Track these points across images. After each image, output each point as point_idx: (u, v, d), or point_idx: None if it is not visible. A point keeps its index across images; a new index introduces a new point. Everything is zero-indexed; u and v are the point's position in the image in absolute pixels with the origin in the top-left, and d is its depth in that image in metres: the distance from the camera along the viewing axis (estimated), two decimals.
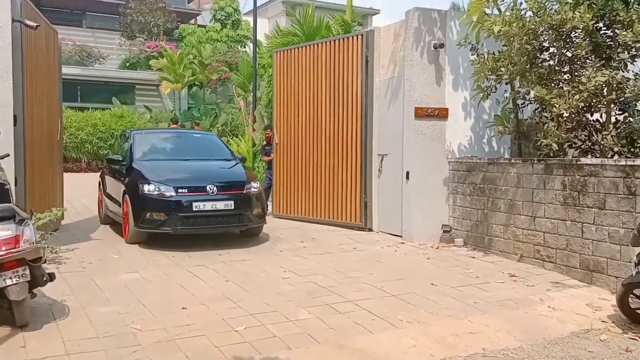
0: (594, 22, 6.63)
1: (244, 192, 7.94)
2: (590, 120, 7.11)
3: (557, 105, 6.63)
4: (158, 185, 7.63)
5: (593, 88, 6.41)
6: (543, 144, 6.86)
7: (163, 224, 7.54)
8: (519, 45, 6.97)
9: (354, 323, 4.85)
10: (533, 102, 7.51)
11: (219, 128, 21.54)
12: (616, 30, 6.60)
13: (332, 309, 5.19)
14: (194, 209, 7.54)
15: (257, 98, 15.87)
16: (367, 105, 9.07)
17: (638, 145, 6.58)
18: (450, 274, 6.56)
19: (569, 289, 5.97)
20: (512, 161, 7.36)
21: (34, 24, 7.07)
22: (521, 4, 7.22)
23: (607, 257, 5.96)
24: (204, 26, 29.69)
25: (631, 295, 4.89)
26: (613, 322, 4.99)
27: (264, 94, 15.10)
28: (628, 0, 6.67)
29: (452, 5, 14.71)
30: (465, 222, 8.05)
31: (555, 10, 6.86)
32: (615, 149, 6.50)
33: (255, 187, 8.15)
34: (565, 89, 6.78)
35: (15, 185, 6.79)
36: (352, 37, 9.44)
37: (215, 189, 7.70)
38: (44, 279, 4.69)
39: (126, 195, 7.96)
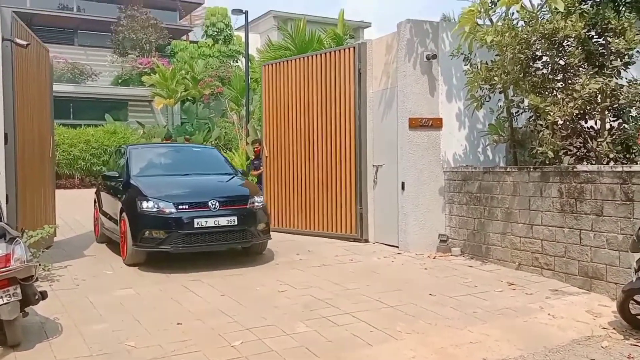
0: (585, 30, 6.66)
1: (248, 207, 7.62)
2: (585, 128, 7.11)
3: (551, 113, 6.64)
4: (157, 202, 7.27)
5: (587, 95, 6.42)
6: (538, 151, 6.85)
7: (163, 242, 7.17)
8: (512, 55, 6.98)
9: (352, 335, 4.77)
10: (527, 110, 7.51)
11: (213, 142, 21.53)
12: (608, 38, 6.64)
13: (330, 322, 5.12)
14: (196, 225, 7.17)
15: (250, 112, 15.88)
16: (360, 116, 9.06)
17: (633, 151, 6.58)
18: (448, 283, 6.50)
19: (569, 296, 5.92)
20: (508, 169, 7.34)
21: (25, 43, 7.06)
22: (513, 14, 7.26)
23: (606, 264, 5.92)
24: (196, 42, 29.85)
25: (632, 301, 4.85)
26: (614, 328, 4.94)
27: (257, 108, 15.14)
28: (619, 8, 6.71)
29: (442, 16, 14.81)
30: (462, 231, 8.01)
31: (547, 20, 6.90)
32: (611, 156, 6.49)
33: (259, 201, 7.83)
34: (559, 96, 6.79)
35: (7, 203, 6.75)
36: (345, 49, 9.45)
37: (217, 204, 7.35)
38: (36, 297, 4.62)
39: (123, 213, 7.60)
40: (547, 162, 6.86)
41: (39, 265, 6.64)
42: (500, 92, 7.67)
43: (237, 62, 28.53)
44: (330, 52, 9.67)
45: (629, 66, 6.70)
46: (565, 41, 6.90)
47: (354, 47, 9.21)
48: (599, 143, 6.61)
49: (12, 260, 4.42)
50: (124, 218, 7.55)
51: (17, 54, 7.27)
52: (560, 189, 6.49)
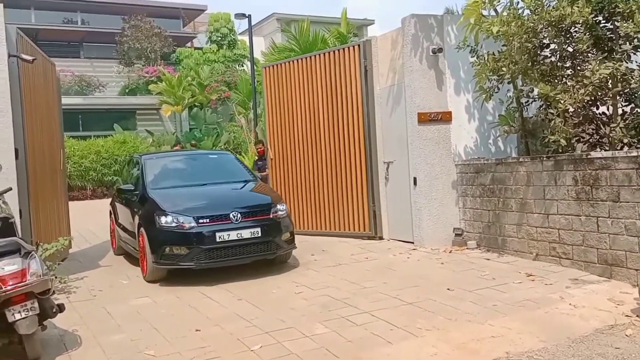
0: (593, 15, 6.57)
1: (271, 216, 7.26)
2: (596, 114, 7.03)
3: (562, 101, 6.55)
4: (176, 216, 6.91)
5: (598, 81, 6.33)
6: (551, 140, 6.77)
7: (184, 259, 6.82)
8: (519, 44, 6.91)
9: (372, 334, 4.74)
10: (537, 99, 7.42)
11: (222, 147, 21.58)
12: (616, 22, 6.54)
13: (349, 322, 5.08)
14: (218, 239, 6.81)
15: (257, 115, 15.88)
16: (369, 114, 9.01)
17: None
18: (465, 277, 6.44)
19: (589, 285, 5.84)
20: (521, 160, 7.27)
21: (31, 58, 7.09)
22: (518, 2, 7.18)
23: (625, 250, 5.84)
24: (201, 48, 29.91)
25: None
26: (637, 316, 4.86)
27: (265, 110, 15.13)
28: None
29: (445, 9, 14.75)
30: (476, 224, 7.94)
31: (553, 7, 6.80)
32: (625, 141, 6.40)
33: (282, 209, 7.48)
34: (569, 84, 6.71)
35: (20, 217, 6.77)
36: (349, 47, 9.40)
37: (239, 215, 7.00)
38: (54, 310, 4.63)
39: (141, 228, 7.26)
40: (560, 151, 6.78)
41: (55, 278, 6.65)
42: (509, 83, 7.60)
43: (242, 66, 28.57)
44: (334, 51, 9.61)
45: (638, 49, 6.60)
46: (573, 27, 6.80)
47: (359, 45, 9.17)
48: (612, 129, 6.52)
49: (28, 275, 4.42)
50: (142, 233, 7.23)
51: (24, 70, 7.30)
52: (575, 177, 6.41)
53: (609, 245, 6.03)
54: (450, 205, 8.24)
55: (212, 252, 6.87)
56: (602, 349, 4.23)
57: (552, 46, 7.09)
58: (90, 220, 13.02)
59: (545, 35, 6.96)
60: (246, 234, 6.97)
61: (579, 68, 6.85)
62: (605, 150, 6.50)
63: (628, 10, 6.33)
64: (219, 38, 28.92)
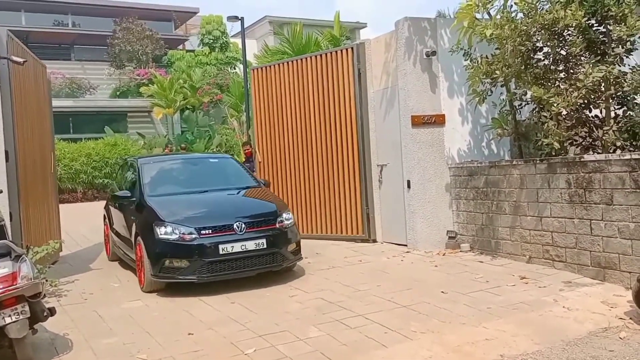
0: (586, 19, 6.60)
1: (277, 226, 6.88)
2: (589, 117, 7.05)
3: (555, 104, 6.57)
4: (176, 227, 6.50)
5: (591, 84, 6.36)
6: (544, 143, 6.79)
7: (185, 272, 6.45)
8: (512, 47, 6.93)
9: (367, 337, 4.71)
10: (530, 102, 7.44)
11: (214, 150, 21.52)
12: (609, 26, 6.58)
13: (343, 325, 5.06)
14: (221, 252, 6.43)
15: (250, 118, 15.78)
16: (362, 117, 9.00)
17: None
18: (459, 280, 6.43)
19: (582, 288, 5.84)
20: (514, 163, 7.28)
21: (21, 60, 7.03)
22: (511, 6, 7.21)
23: (618, 253, 5.85)
24: (193, 51, 29.85)
25: None
26: (631, 318, 4.86)
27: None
28: None
29: (437, 13, 14.77)
30: (470, 226, 7.94)
31: (547, 10, 6.84)
32: (618, 144, 6.43)
33: (287, 218, 7.09)
34: (562, 87, 6.73)
35: (11, 220, 6.73)
36: (342, 50, 9.39)
37: (243, 226, 6.62)
38: (45, 314, 4.58)
39: (139, 237, 6.87)
40: (553, 154, 6.80)
41: (46, 281, 6.59)
42: (502, 86, 7.62)
43: (234, 69, 28.53)
44: (327, 54, 9.59)
45: (631, 53, 6.63)
46: (566, 31, 6.82)
47: (352, 48, 9.16)
48: (605, 132, 6.54)
49: (18, 278, 4.38)
50: (140, 242, 6.84)
51: (15, 72, 7.26)
52: (568, 180, 6.43)
53: (602, 248, 6.04)
54: (443, 208, 8.23)
55: (215, 265, 6.48)
56: (596, 352, 4.23)
57: (546, 49, 7.11)
58: (81, 222, 12.93)
59: (539, 38, 6.98)
60: (251, 245, 6.59)
61: (572, 71, 6.88)
62: (598, 153, 6.52)
63: (620, 14, 6.37)
64: (211, 41, 28.88)
